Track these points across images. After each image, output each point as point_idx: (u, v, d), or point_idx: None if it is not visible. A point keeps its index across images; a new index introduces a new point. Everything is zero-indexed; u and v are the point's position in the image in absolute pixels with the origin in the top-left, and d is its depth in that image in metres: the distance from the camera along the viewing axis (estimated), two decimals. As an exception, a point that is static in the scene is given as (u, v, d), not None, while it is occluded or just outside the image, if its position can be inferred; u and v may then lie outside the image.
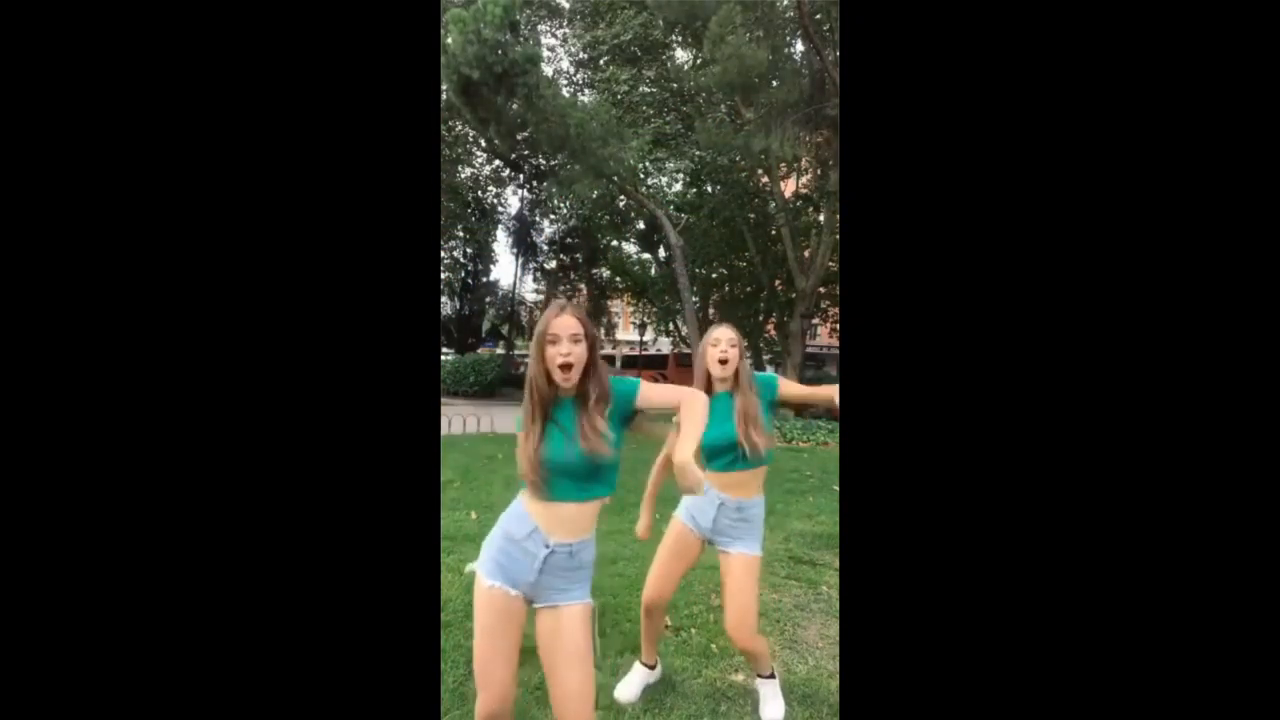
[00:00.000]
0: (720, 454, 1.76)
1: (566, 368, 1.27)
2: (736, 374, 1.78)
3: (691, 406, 1.31)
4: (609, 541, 3.30)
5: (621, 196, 13.04)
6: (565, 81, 12.74)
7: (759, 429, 1.74)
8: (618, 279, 18.01)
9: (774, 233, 12.68)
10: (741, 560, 1.77)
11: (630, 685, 1.92)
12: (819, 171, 11.63)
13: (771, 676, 1.87)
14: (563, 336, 1.28)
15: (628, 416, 1.34)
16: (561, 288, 19.13)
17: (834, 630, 2.41)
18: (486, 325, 21.91)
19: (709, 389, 1.80)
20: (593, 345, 1.32)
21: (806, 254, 12.08)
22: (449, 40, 8.10)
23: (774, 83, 9.48)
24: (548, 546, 1.28)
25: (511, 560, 1.30)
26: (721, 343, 1.78)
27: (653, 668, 1.99)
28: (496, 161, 16.56)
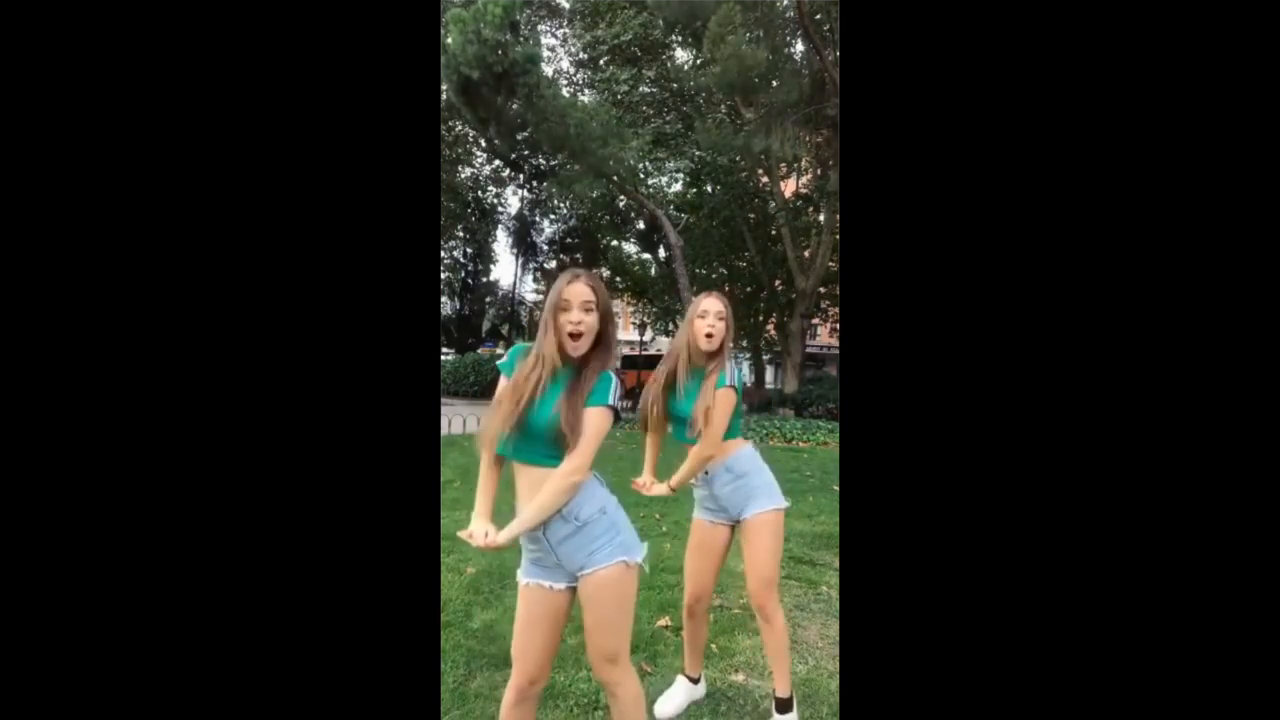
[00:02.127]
0: (682, 422, 1.71)
1: (576, 336, 1.26)
2: (721, 346, 1.70)
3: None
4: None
5: (621, 196, 13.04)
6: (565, 81, 12.74)
7: (708, 408, 1.65)
8: (618, 279, 18.02)
9: (774, 233, 12.69)
10: (758, 520, 1.71)
11: (672, 700, 1.84)
12: (819, 171, 11.64)
13: (789, 707, 1.75)
14: (574, 304, 1.26)
15: None
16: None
17: (834, 630, 2.41)
18: (486, 325, 21.91)
19: (689, 360, 1.72)
20: (605, 316, 1.29)
21: (806, 254, 12.09)
22: (449, 40, 8.10)
23: (774, 83, 9.48)
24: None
25: (535, 551, 1.31)
26: (709, 315, 1.69)
27: (696, 681, 1.90)
28: (496, 161, 16.56)
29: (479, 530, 1.28)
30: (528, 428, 1.25)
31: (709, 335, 1.69)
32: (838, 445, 7.01)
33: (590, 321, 1.27)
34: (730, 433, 1.73)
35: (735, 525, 1.77)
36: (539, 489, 1.26)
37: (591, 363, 1.29)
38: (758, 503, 1.73)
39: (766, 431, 9.10)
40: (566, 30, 12.98)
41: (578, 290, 1.27)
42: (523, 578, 1.34)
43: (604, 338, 1.30)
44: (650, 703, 1.81)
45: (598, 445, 1.25)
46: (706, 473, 1.73)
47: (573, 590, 1.33)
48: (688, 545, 1.84)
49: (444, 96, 9.01)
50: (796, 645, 2.29)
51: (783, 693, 1.76)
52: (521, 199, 18.59)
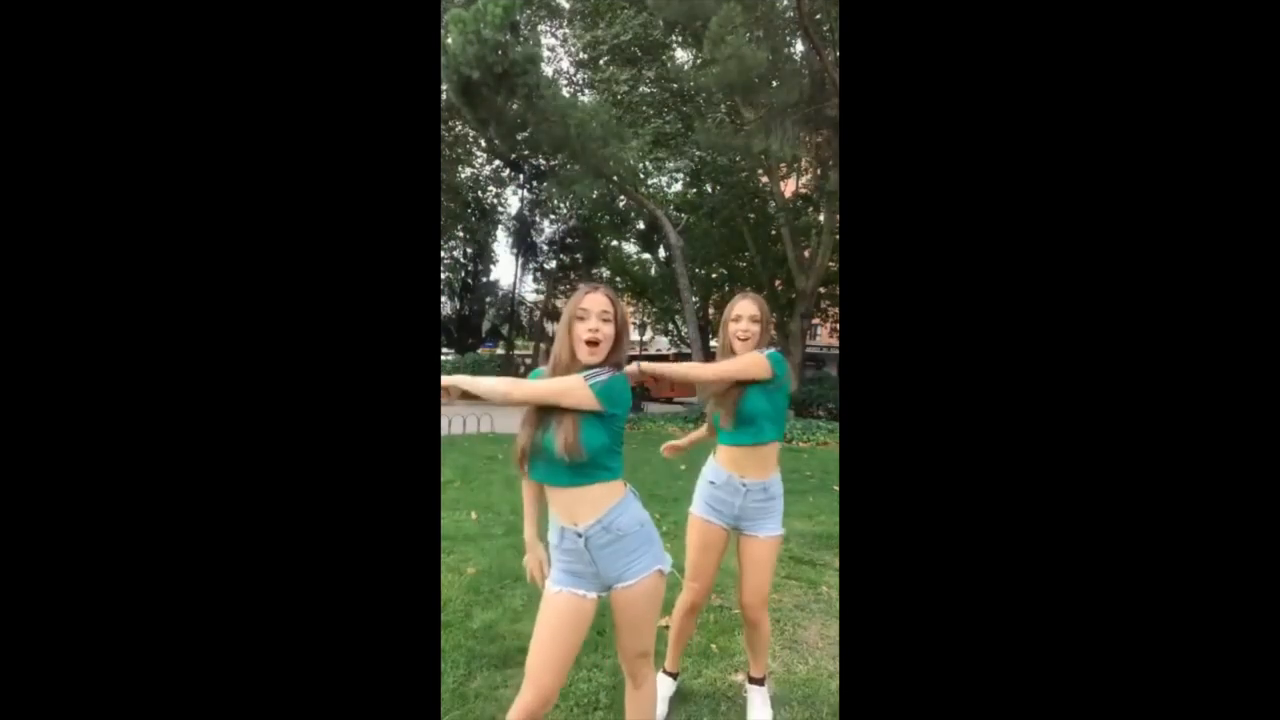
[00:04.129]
0: (748, 424, 1.69)
1: (593, 344, 1.30)
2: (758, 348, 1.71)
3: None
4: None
5: (621, 196, 13.04)
6: (565, 81, 12.72)
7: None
8: (618, 279, 18.01)
9: (774, 233, 12.68)
10: (769, 542, 1.74)
11: None
12: (819, 171, 11.63)
13: (762, 682, 1.85)
14: (592, 313, 1.30)
15: (630, 406, 1.35)
16: (561, 288, 19.13)
17: (834, 630, 2.41)
18: (486, 325, 21.90)
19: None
20: (621, 329, 1.33)
21: (806, 254, 12.08)
22: (449, 40, 8.11)
23: (774, 83, 9.47)
24: (579, 535, 1.30)
25: (571, 561, 1.32)
26: (743, 319, 1.72)
27: (675, 676, 1.93)
28: (496, 161, 16.56)
29: (536, 560, 1.48)
30: (541, 449, 1.28)
31: (743, 339, 1.71)
32: (838, 445, 7.01)
33: (607, 331, 1.31)
34: (776, 434, 1.73)
35: (730, 530, 1.78)
36: (570, 507, 1.29)
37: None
38: (774, 525, 1.75)
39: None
40: (566, 30, 12.96)
41: (596, 300, 1.31)
42: (553, 585, 1.34)
43: (617, 350, 1.34)
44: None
45: (552, 390, 1.25)
46: (749, 489, 1.73)
47: (599, 600, 1.34)
48: (691, 543, 1.81)
49: (444, 96, 9.01)
50: (796, 645, 2.29)
51: (758, 673, 1.85)
52: (521, 199, 18.59)
